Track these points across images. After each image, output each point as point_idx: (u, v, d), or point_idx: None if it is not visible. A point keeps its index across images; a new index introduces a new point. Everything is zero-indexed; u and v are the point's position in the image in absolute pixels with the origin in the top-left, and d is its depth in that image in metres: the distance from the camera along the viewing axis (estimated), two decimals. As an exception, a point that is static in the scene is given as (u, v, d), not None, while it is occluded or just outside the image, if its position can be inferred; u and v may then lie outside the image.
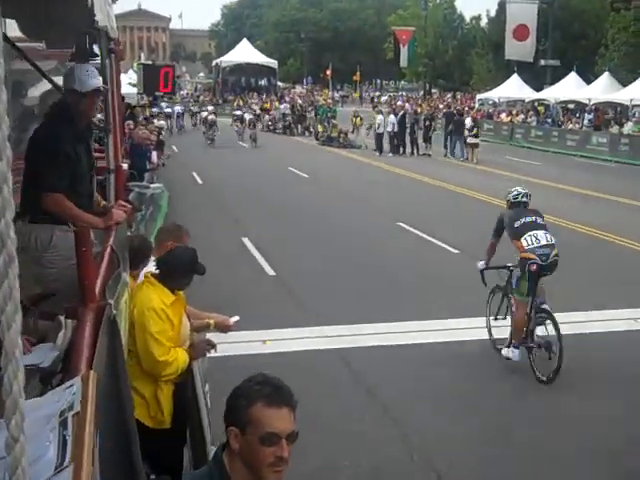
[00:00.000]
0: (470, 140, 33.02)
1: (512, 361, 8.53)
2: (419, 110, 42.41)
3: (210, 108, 43.84)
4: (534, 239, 8.40)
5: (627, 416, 7.33)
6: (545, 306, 8.49)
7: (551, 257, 8.34)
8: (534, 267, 8.29)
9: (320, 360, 8.78)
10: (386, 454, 6.56)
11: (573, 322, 9.88)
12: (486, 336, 9.32)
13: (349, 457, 6.47)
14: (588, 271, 13.05)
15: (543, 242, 8.38)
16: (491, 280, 9.27)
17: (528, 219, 8.60)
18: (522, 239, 8.44)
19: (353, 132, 39.85)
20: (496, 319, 9.29)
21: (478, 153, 32.66)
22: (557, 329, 8.09)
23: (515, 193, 8.94)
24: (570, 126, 40.93)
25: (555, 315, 8.22)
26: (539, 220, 8.64)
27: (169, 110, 44.93)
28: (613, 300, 11.09)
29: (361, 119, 39.61)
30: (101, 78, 4.77)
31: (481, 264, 9.29)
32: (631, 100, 37.86)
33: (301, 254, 14.21)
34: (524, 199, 8.85)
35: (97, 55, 6.67)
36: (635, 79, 39.73)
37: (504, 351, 8.76)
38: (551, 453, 6.55)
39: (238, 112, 45.05)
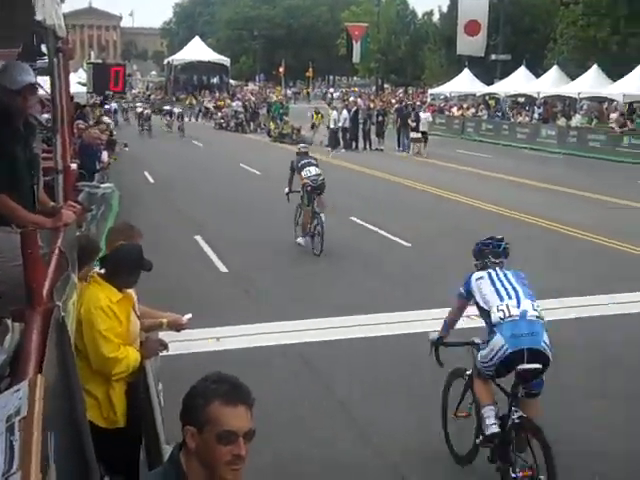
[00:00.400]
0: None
1: (303, 247, 13.98)
2: (372, 105, 42.55)
3: (139, 104, 53.13)
4: (308, 172, 13.86)
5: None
6: (322, 215, 13.78)
7: (319, 181, 13.84)
8: (309, 188, 13.77)
9: (275, 356, 8.79)
10: (343, 448, 6.59)
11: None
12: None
13: (305, 452, 6.50)
14: (533, 258, 13.26)
15: (313, 173, 13.91)
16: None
17: (306, 161, 14.12)
18: (302, 172, 13.91)
19: (313, 128, 39.67)
20: (297, 224, 14.40)
21: (426, 147, 33.10)
22: (322, 225, 13.62)
23: (300, 146, 15.40)
24: (520, 119, 41.49)
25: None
26: (312, 161, 14.23)
27: (107, 107, 45.49)
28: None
29: (322, 116, 39.57)
30: (34, 75, 4.70)
31: (286, 190, 14.36)
32: (579, 93, 38.50)
33: (254, 250, 14.19)
34: (305, 149, 14.87)
35: (45, 54, 6.60)
36: (583, 72, 40.40)
37: (297, 240, 14.20)
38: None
39: (167, 107, 49.68)
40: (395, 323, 9.91)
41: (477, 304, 5.83)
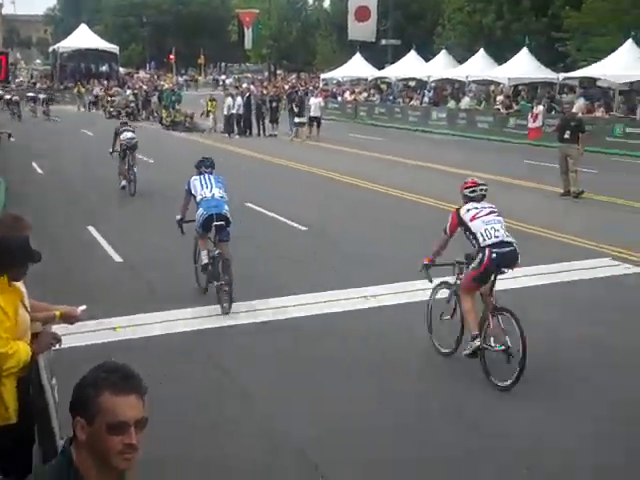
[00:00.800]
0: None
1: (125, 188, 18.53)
2: (265, 92, 42.45)
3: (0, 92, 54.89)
4: (125, 135, 18.75)
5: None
6: (134, 167, 18.68)
7: (132, 142, 18.56)
8: (125, 147, 18.61)
9: (172, 344, 8.69)
10: (245, 440, 6.53)
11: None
12: (332, 309, 9.84)
13: (201, 444, 6.40)
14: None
15: (129, 136, 18.66)
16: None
17: (125, 128, 19.21)
18: (121, 136, 18.82)
19: (208, 115, 39.12)
20: (119, 175, 19.19)
21: (319, 131, 33.58)
22: (134, 175, 18.55)
23: (121, 118, 22.86)
24: (411, 103, 42.21)
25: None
26: (129, 128, 19.34)
27: None
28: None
29: (216, 103, 39.20)
30: None
31: (110, 150, 19.18)
32: (467, 77, 39.44)
33: (148, 240, 13.96)
34: (125, 120, 21.29)
35: None
36: (470, 57, 41.41)
37: (121, 184, 18.82)
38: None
39: (31, 94, 52.84)
40: (296, 306, 9.92)
41: (193, 195, 10.08)
